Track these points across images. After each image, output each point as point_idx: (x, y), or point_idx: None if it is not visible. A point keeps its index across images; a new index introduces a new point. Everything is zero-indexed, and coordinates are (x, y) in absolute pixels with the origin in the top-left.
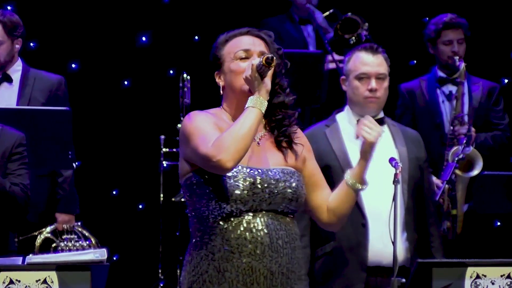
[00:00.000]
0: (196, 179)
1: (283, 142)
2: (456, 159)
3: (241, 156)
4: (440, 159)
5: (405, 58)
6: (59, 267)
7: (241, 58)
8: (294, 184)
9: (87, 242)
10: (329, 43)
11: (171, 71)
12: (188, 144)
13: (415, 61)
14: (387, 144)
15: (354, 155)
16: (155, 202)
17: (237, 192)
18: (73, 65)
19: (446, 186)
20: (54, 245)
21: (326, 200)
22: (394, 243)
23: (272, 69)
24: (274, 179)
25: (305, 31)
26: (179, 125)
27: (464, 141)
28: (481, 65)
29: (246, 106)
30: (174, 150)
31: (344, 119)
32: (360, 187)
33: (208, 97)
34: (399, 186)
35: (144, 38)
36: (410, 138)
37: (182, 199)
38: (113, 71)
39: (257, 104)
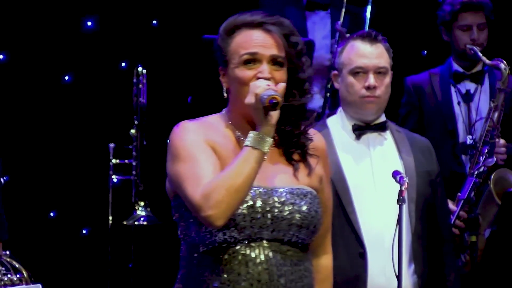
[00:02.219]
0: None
1: (295, 155)
2: (476, 172)
3: (235, 211)
4: (451, 175)
5: (415, 47)
6: None
7: (247, 63)
8: (304, 208)
9: (18, 276)
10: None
11: (123, 64)
12: (174, 166)
13: (425, 52)
14: (390, 155)
15: (349, 169)
16: (103, 226)
17: (232, 217)
18: (0, 56)
19: (462, 212)
20: None
21: (320, 250)
22: (398, 277)
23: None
24: (280, 201)
25: (310, 19)
26: (132, 131)
27: (486, 151)
28: (509, 56)
29: (245, 144)
30: (126, 161)
31: (337, 124)
32: None
33: (170, 96)
34: (405, 207)
35: (89, 23)
36: (419, 147)
37: (136, 223)
38: (50, 64)
39: (258, 143)
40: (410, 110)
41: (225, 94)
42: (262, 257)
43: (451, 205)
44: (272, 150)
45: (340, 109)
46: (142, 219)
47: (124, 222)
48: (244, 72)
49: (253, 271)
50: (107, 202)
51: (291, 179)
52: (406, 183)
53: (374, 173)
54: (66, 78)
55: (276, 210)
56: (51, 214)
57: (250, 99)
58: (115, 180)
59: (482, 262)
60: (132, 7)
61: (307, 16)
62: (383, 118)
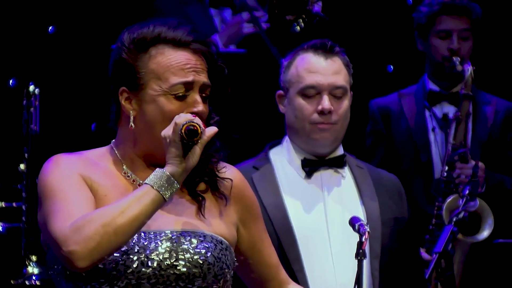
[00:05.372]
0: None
1: (201, 184)
2: (455, 219)
3: (104, 257)
4: (426, 218)
5: (380, 61)
6: None
7: (179, 95)
8: (201, 256)
9: None
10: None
11: (11, 81)
12: (41, 209)
13: (392, 67)
14: (349, 198)
15: (297, 216)
16: None
17: (100, 266)
18: None
19: (442, 261)
20: None
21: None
22: None
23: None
24: (165, 246)
25: (217, 18)
26: (21, 166)
27: (468, 192)
28: (497, 76)
29: (146, 180)
30: (14, 205)
31: (283, 157)
32: None
33: (69, 122)
34: (365, 263)
35: None
36: (385, 187)
37: (27, 282)
38: None
39: (162, 185)
40: (377, 141)
41: (132, 125)
42: None
43: (425, 254)
44: None
45: (286, 139)
46: (34, 277)
47: (12, 282)
48: (173, 104)
49: None
50: None
51: (191, 219)
52: (367, 233)
53: (329, 221)
54: None
55: (160, 258)
56: None
57: (167, 131)
58: (0, 229)
59: None
60: (22, 8)
61: (213, 14)
62: (340, 151)
